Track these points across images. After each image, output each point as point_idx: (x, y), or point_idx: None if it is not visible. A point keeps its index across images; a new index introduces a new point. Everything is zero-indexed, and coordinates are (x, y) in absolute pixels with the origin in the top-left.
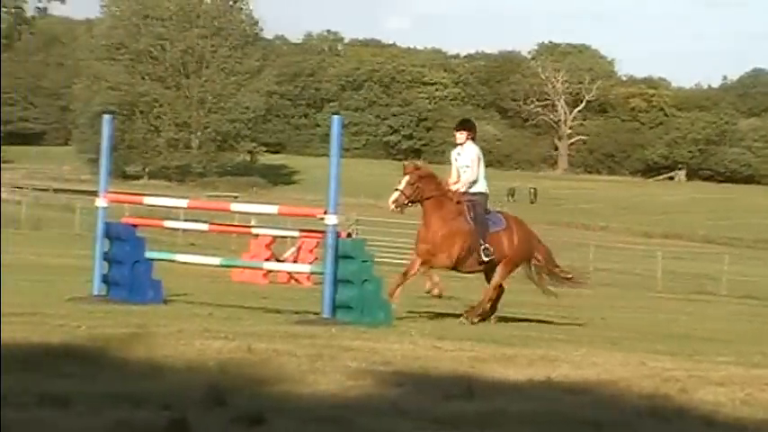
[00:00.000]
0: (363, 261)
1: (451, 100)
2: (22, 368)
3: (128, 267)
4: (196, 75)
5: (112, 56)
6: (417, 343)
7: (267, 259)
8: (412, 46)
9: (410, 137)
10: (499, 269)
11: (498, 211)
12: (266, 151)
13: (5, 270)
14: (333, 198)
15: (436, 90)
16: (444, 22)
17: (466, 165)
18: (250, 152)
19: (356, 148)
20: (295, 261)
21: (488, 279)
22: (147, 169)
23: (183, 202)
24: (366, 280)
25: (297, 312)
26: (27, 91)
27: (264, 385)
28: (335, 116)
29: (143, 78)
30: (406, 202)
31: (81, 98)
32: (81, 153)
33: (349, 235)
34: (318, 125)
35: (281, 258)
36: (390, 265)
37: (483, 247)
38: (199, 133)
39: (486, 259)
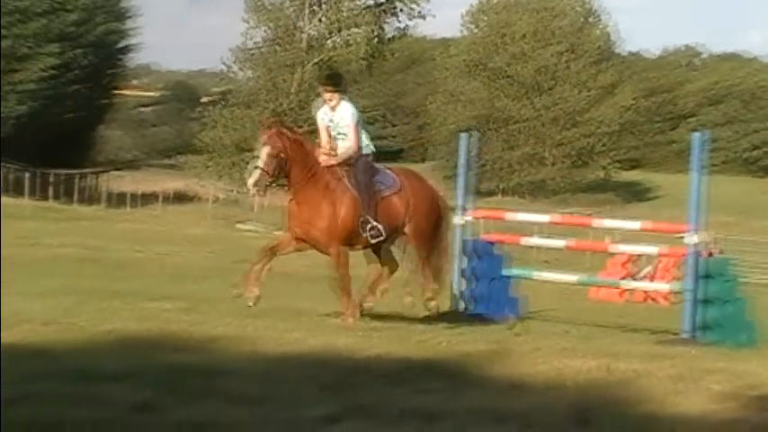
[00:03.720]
0: (726, 281)
1: None
2: (386, 382)
3: (485, 284)
4: (549, 92)
5: (470, 74)
6: None
7: (623, 277)
8: None
9: None
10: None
11: (388, 168)
12: (620, 168)
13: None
14: (694, 216)
15: None
16: None
17: (342, 132)
18: (604, 168)
19: (714, 165)
20: (652, 279)
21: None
22: (500, 186)
23: (545, 218)
24: (728, 300)
25: (655, 332)
26: (386, 110)
27: (625, 406)
28: (695, 133)
29: (498, 96)
30: (269, 181)
31: (437, 116)
32: (437, 170)
33: (710, 254)
34: (675, 141)
35: (638, 276)
36: (757, 285)
37: (369, 225)
38: (553, 150)
39: (372, 241)
